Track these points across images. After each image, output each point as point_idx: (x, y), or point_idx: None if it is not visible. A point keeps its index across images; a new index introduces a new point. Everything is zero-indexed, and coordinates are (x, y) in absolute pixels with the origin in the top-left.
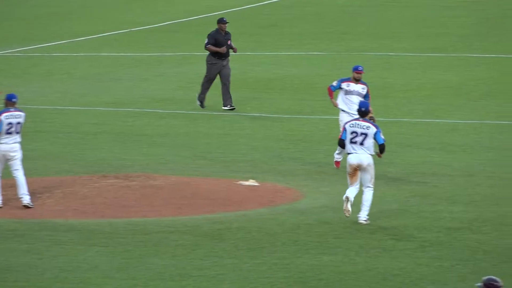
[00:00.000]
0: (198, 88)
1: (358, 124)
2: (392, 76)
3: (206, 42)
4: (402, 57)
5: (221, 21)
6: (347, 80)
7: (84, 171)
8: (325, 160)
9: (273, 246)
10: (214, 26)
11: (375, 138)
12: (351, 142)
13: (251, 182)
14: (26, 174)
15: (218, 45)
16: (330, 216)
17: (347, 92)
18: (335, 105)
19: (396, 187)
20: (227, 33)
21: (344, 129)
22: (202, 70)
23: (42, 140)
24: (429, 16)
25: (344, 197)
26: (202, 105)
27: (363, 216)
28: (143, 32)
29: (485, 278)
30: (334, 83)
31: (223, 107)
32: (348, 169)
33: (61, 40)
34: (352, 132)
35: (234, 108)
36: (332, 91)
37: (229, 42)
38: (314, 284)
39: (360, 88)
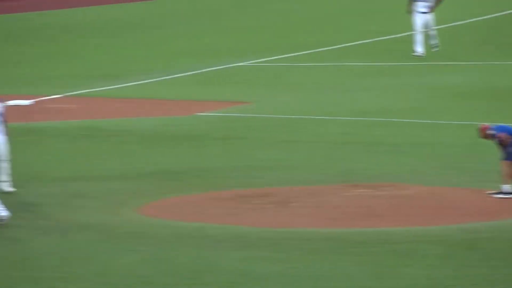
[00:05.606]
0: None
1: None
2: None
3: None
4: None
5: None
6: None
7: (332, 181)
8: None
9: None
10: None
11: None
12: None
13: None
14: (280, 183)
15: None
16: None
17: None
18: None
19: None
20: None
21: None
22: None
23: (292, 149)
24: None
25: None
26: None
27: None
28: (387, 42)
29: None
30: None
31: None
32: None
33: (303, 51)
34: None
35: None
36: None
37: None
38: None
39: None
